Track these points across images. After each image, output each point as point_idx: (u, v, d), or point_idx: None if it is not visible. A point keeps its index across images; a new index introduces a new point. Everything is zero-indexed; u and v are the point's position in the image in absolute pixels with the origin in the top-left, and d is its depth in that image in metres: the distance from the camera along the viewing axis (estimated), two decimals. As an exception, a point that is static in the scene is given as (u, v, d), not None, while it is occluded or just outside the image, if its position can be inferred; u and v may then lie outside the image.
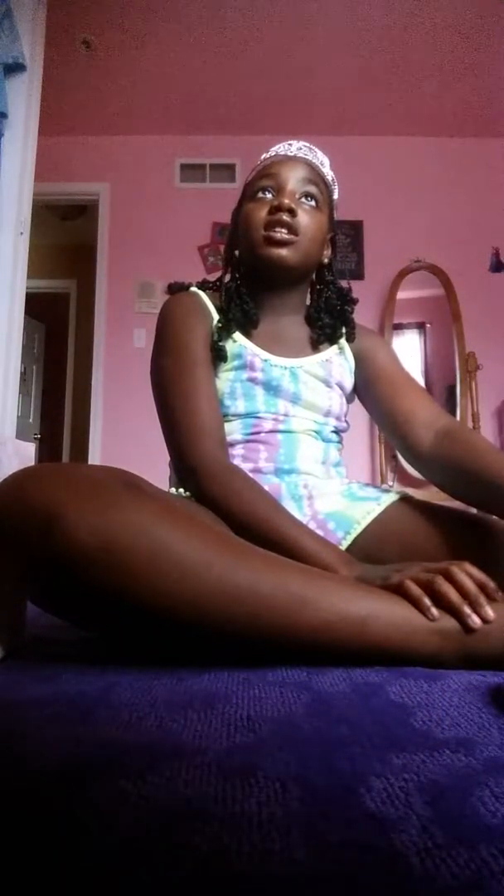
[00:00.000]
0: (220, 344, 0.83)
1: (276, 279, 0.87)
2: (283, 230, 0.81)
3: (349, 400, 0.96)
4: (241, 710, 0.42)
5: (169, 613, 0.49)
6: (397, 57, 3.01)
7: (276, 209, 0.81)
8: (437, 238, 3.54)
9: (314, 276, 0.95)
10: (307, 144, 0.90)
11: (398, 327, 3.49)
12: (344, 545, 0.77)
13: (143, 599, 0.48)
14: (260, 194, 0.84)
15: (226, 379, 0.85)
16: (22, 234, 1.88)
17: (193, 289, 0.91)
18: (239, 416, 0.84)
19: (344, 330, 0.92)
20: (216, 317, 0.86)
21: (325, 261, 0.94)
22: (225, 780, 0.31)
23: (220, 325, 0.85)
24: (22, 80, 1.89)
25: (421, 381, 3.55)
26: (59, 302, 4.95)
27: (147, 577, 0.47)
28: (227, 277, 0.93)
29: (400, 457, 0.89)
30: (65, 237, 4.70)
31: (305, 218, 0.83)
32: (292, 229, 0.82)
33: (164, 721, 0.40)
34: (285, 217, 0.80)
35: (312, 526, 0.80)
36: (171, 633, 0.51)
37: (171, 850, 0.25)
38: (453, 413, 3.31)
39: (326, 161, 0.92)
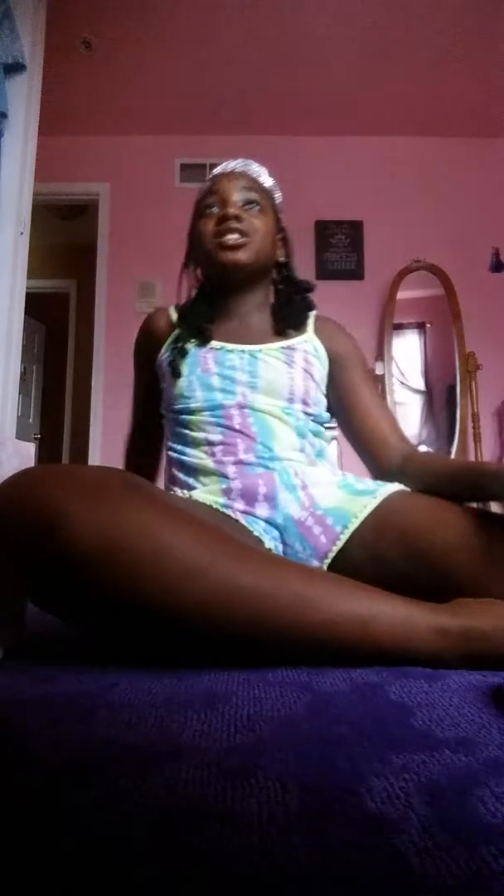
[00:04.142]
0: (174, 361, 0.90)
1: (235, 280, 0.92)
2: (234, 235, 0.88)
3: (325, 391, 0.96)
4: (241, 710, 0.42)
5: (171, 614, 0.49)
6: (397, 56, 3.01)
7: (223, 218, 0.89)
8: (437, 238, 3.54)
9: (275, 274, 1.01)
10: (243, 160, 0.99)
11: (398, 327, 3.49)
12: (342, 539, 0.75)
13: (145, 600, 0.48)
14: (207, 210, 0.92)
15: (184, 375, 0.89)
16: (22, 233, 1.88)
17: (165, 307, 1.02)
18: (202, 409, 0.87)
19: (309, 316, 0.97)
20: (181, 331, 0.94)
21: (281, 259, 1.00)
22: (225, 780, 0.31)
23: (174, 338, 0.93)
24: (22, 80, 1.89)
25: (421, 382, 3.55)
26: (59, 302, 4.95)
27: (150, 578, 0.47)
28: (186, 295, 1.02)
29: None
30: (65, 237, 4.70)
31: (252, 220, 0.91)
32: (242, 232, 0.89)
33: (164, 721, 0.40)
34: (233, 224, 0.88)
35: (310, 522, 0.77)
36: (174, 634, 0.51)
37: (171, 850, 0.25)
38: (453, 413, 3.32)
39: (264, 170, 1.00)
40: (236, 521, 0.77)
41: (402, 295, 3.44)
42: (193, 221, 0.96)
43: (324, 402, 0.95)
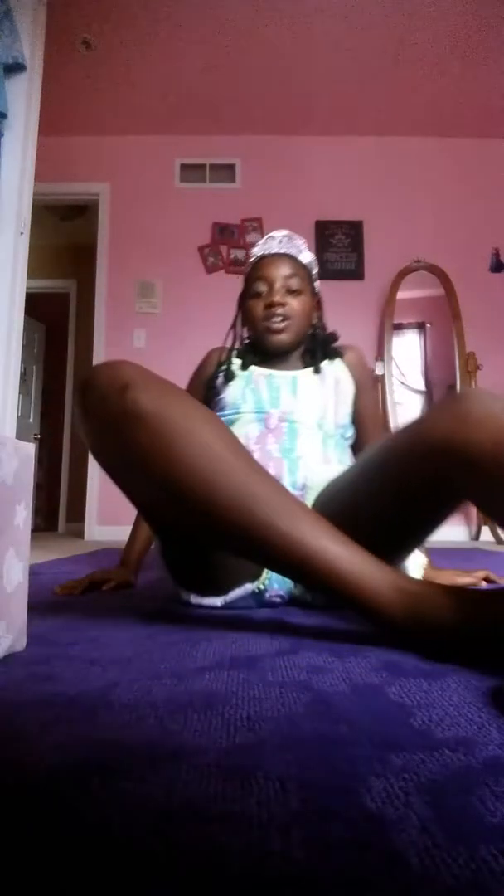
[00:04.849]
0: (231, 369, 1.13)
1: (279, 353, 1.13)
2: (277, 319, 1.09)
3: (351, 406, 1.12)
4: (241, 710, 0.42)
5: (185, 484, 0.62)
6: (397, 57, 3.01)
7: (269, 306, 1.09)
8: (437, 238, 3.55)
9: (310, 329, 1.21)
10: (286, 235, 1.16)
11: (398, 327, 3.49)
12: (308, 499, 0.90)
13: (171, 464, 0.62)
14: (255, 290, 1.11)
15: (237, 388, 1.09)
16: (22, 234, 1.88)
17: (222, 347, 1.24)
18: (251, 411, 1.06)
19: (332, 348, 1.16)
20: (236, 361, 1.15)
21: (314, 321, 1.19)
22: (225, 780, 0.31)
23: (228, 364, 1.15)
24: (22, 80, 1.89)
25: (421, 382, 3.56)
26: (59, 302, 4.95)
27: (179, 447, 0.62)
28: (235, 340, 1.23)
29: None
30: (65, 237, 4.70)
31: (293, 303, 1.10)
32: (285, 317, 1.09)
33: (164, 721, 0.40)
34: (278, 310, 1.08)
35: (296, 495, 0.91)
36: (183, 508, 0.64)
37: (171, 850, 0.25)
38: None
39: (303, 244, 1.17)
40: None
41: (402, 295, 3.44)
42: (243, 296, 1.16)
43: (348, 413, 1.11)
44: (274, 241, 1.16)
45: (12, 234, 1.85)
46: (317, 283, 1.19)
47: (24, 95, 1.89)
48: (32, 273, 2.06)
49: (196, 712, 0.41)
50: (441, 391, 3.46)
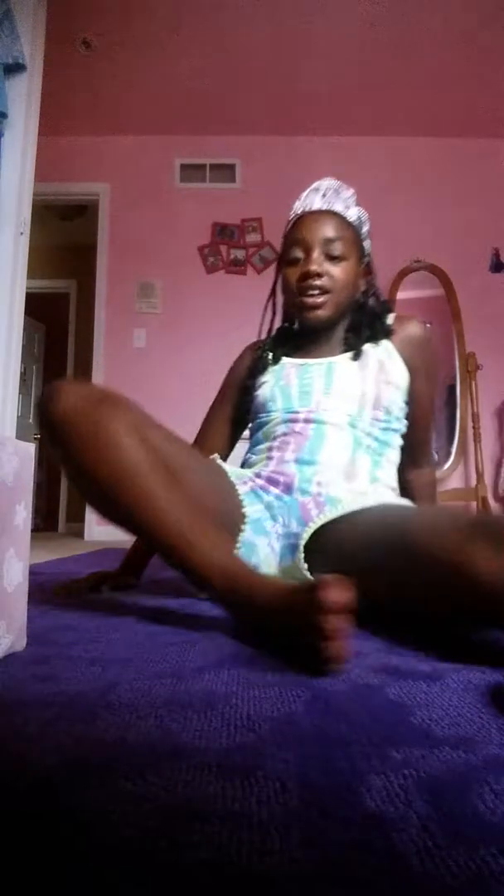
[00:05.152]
0: (260, 366, 1.06)
1: (317, 328, 1.00)
2: (315, 292, 0.95)
3: (406, 395, 0.99)
4: (240, 709, 0.42)
5: (100, 481, 0.69)
6: (397, 57, 3.01)
7: (304, 277, 0.95)
8: (437, 238, 3.55)
9: (358, 297, 1.04)
10: (333, 187, 0.99)
11: (398, 327, 3.48)
12: (327, 515, 0.81)
13: (85, 463, 0.70)
14: (292, 256, 0.97)
15: (268, 387, 1.01)
16: (22, 234, 1.88)
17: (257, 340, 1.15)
18: (280, 410, 0.98)
19: (382, 330, 1.00)
20: (267, 355, 1.07)
21: (363, 288, 1.03)
22: (225, 780, 0.31)
23: (263, 355, 1.07)
24: (22, 80, 1.89)
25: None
26: (59, 302, 4.95)
27: (88, 448, 0.69)
28: (273, 315, 1.12)
29: None
30: (65, 237, 4.70)
31: (334, 271, 0.95)
32: (323, 289, 0.95)
33: (164, 721, 0.40)
34: (315, 282, 0.94)
35: (311, 505, 0.87)
36: (99, 498, 0.72)
37: (170, 850, 0.25)
38: (453, 413, 3.32)
39: (352, 198, 1.00)
40: (235, 487, 0.92)
41: (401, 295, 3.44)
42: (280, 261, 1.01)
43: (400, 404, 0.97)
44: (317, 195, 0.99)
45: (12, 234, 1.85)
46: (367, 244, 1.02)
47: (24, 95, 1.89)
48: (32, 273, 2.06)
49: (196, 712, 0.41)
50: (441, 391, 3.46)
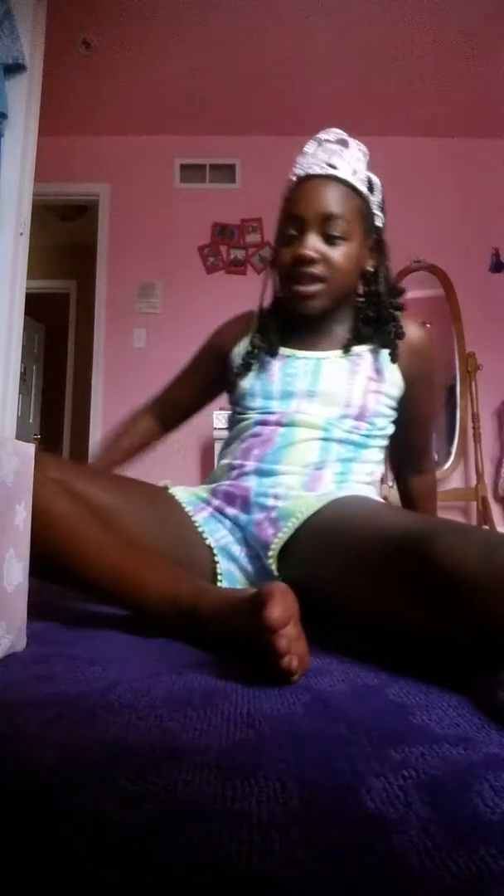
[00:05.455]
0: (249, 361, 0.92)
1: (311, 317, 0.88)
2: (307, 280, 0.82)
3: (396, 404, 0.90)
4: (240, 709, 0.42)
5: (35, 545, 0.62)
6: (397, 57, 3.01)
7: (297, 261, 0.81)
8: (437, 238, 3.54)
9: (361, 284, 0.93)
10: (339, 141, 0.85)
11: (398, 327, 3.48)
12: (284, 533, 0.74)
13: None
14: (287, 232, 0.84)
15: (249, 379, 0.90)
16: (22, 234, 1.88)
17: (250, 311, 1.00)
18: (256, 410, 0.89)
19: (389, 340, 0.88)
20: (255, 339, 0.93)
21: (370, 269, 0.91)
22: (225, 780, 0.31)
23: (249, 347, 0.92)
24: (22, 80, 1.89)
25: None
26: (59, 302, 4.95)
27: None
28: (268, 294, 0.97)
29: None
30: (65, 237, 4.70)
31: (332, 255, 0.82)
32: (318, 278, 0.82)
33: (163, 721, 0.40)
34: (307, 269, 0.81)
35: (266, 524, 0.79)
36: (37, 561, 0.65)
37: (171, 850, 0.25)
38: (453, 413, 3.32)
39: (362, 158, 0.87)
40: (191, 517, 0.84)
41: (402, 295, 3.44)
42: (279, 227, 0.87)
43: (387, 414, 0.89)
44: (320, 152, 0.85)
45: (12, 234, 1.85)
46: (379, 218, 0.89)
47: (24, 95, 1.89)
48: (32, 273, 2.06)
49: (195, 712, 0.41)
50: (441, 391, 3.46)
